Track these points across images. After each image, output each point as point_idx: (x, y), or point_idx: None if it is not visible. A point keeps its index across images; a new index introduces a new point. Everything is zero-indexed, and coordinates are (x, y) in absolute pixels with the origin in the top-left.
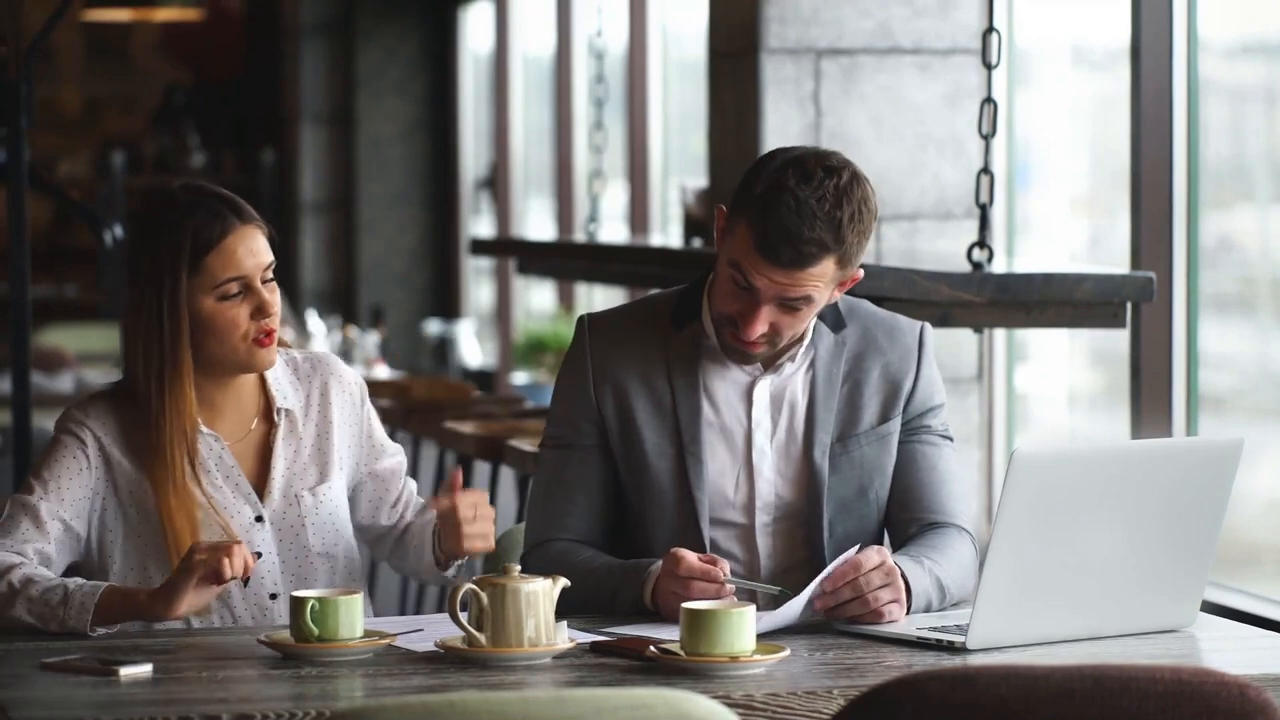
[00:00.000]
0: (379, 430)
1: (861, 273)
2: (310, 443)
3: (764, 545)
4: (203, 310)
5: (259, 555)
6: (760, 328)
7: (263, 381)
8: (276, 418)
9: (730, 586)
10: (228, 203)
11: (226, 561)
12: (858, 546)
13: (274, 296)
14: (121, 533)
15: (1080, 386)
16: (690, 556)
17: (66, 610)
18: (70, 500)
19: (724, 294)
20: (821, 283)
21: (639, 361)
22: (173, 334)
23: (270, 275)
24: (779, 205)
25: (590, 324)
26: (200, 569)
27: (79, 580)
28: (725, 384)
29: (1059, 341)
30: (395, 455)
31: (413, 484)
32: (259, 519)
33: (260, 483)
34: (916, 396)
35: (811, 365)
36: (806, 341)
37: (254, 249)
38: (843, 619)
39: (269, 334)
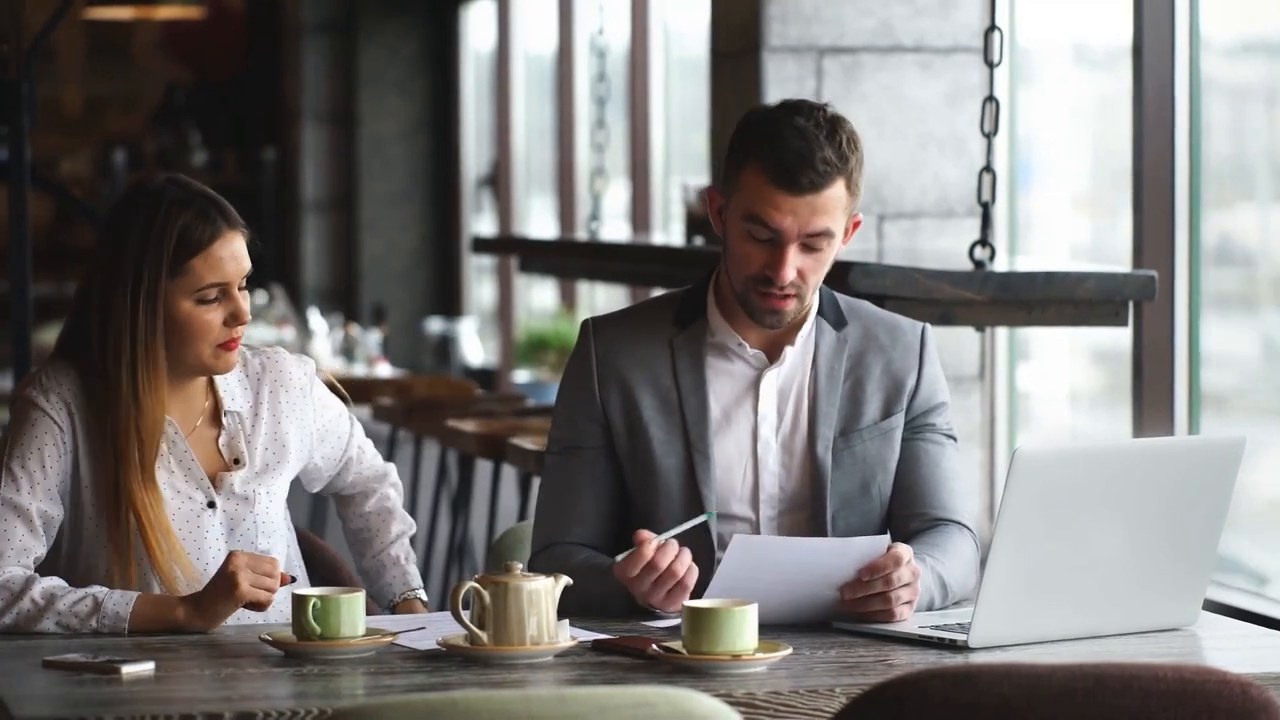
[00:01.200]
0: (325, 412)
1: (862, 217)
2: (261, 442)
3: None
4: (179, 311)
5: (293, 579)
6: (791, 271)
7: (211, 382)
8: (225, 420)
9: (671, 549)
10: (215, 204)
11: (270, 586)
12: (887, 536)
13: (247, 305)
14: (71, 515)
15: (1082, 385)
16: (619, 559)
17: (100, 621)
18: (55, 490)
19: (744, 257)
20: (838, 210)
21: (644, 361)
22: (149, 329)
23: (244, 282)
24: (784, 137)
25: (594, 327)
26: (246, 598)
27: (103, 589)
28: (731, 379)
29: (1060, 340)
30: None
31: (364, 446)
32: (210, 505)
33: (213, 475)
34: (920, 394)
35: (814, 361)
36: (810, 329)
37: (237, 254)
38: (854, 614)
39: (235, 340)
